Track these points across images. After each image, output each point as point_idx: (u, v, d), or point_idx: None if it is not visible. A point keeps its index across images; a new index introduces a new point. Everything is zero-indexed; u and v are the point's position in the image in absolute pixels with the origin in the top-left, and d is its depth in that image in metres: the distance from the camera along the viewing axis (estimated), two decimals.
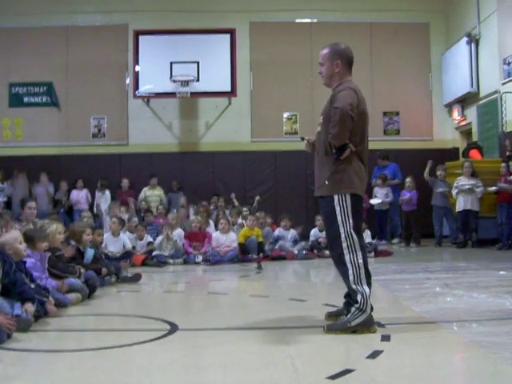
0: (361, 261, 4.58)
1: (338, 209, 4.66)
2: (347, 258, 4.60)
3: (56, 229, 6.72)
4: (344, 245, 4.62)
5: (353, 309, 4.56)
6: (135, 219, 11.84)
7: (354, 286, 4.58)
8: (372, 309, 4.56)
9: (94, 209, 14.47)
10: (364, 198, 4.90)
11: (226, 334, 4.74)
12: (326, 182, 4.74)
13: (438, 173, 13.18)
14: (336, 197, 4.67)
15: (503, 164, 12.11)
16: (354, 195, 4.68)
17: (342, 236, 4.62)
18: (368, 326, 4.54)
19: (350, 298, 4.67)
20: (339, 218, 4.64)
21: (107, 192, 14.78)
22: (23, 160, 15.20)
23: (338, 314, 4.95)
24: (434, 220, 13.18)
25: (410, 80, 16.46)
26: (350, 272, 4.59)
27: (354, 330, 4.51)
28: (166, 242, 10.89)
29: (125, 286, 7.81)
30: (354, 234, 4.61)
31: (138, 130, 16.01)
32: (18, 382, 3.47)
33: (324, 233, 10.72)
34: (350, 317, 4.55)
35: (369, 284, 4.60)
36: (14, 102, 15.92)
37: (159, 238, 11.00)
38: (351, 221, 4.62)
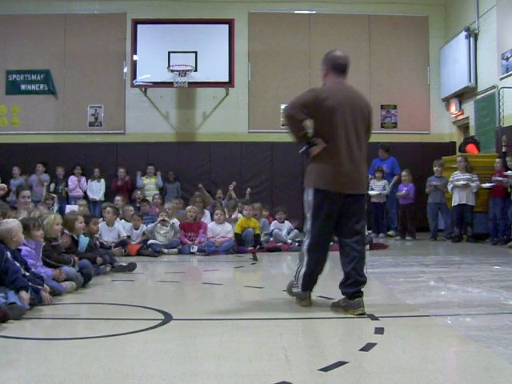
0: (304, 246, 5.26)
1: (304, 202, 5.29)
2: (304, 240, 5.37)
3: (54, 219, 6.71)
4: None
5: (293, 278, 5.47)
6: (131, 207, 11.80)
7: (297, 265, 5.42)
8: (306, 288, 5.29)
9: (90, 196, 14.54)
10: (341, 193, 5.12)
11: (219, 324, 4.74)
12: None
13: (435, 169, 13.17)
14: (305, 191, 5.27)
15: (498, 159, 12.12)
16: (319, 191, 5.11)
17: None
18: (300, 299, 5.37)
19: None
20: (305, 209, 5.28)
21: (102, 180, 14.82)
22: (19, 148, 15.19)
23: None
24: (428, 215, 13.19)
25: (408, 73, 16.45)
26: (300, 252, 5.37)
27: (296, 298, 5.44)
28: (160, 227, 10.86)
29: (119, 275, 7.81)
30: (309, 223, 5.20)
31: (135, 119, 15.98)
32: (12, 369, 3.47)
33: None
34: (293, 284, 5.49)
35: (309, 266, 5.21)
36: (10, 90, 15.87)
37: (153, 224, 10.96)
38: (310, 212, 5.19)
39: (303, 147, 5.15)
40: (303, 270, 5.25)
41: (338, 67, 5.29)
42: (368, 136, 5.48)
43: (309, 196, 5.18)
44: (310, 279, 5.28)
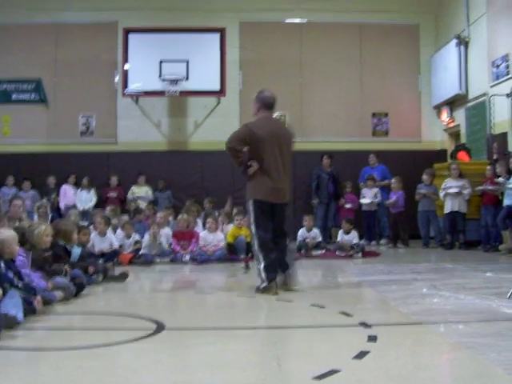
0: (256, 247, 6.65)
1: (249, 212, 6.77)
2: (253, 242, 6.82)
3: (44, 230, 6.65)
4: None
5: (259, 279, 6.63)
6: (126, 217, 11.76)
7: (256, 265, 6.78)
8: (270, 280, 6.49)
9: (78, 206, 14.36)
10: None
11: (212, 333, 4.73)
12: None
13: (424, 177, 13.20)
14: (247, 203, 6.81)
15: (488, 167, 12.14)
16: (256, 201, 6.68)
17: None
18: (269, 290, 6.48)
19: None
20: (250, 218, 6.78)
21: (93, 190, 14.69)
22: (10, 157, 15.13)
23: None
24: (419, 223, 13.22)
25: (399, 81, 16.49)
26: (255, 254, 6.75)
27: (263, 291, 6.52)
28: (154, 243, 10.84)
29: (111, 284, 7.78)
30: (253, 227, 6.71)
31: (127, 128, 15.95)
32: (4, 380, 3.44)
33: (311, 233, 11.23)
34: (259, 284, 6.62)
35: (266, 259, 6.56)
36: (1, 99, 15.79)
37: (146, 238, 10.92)
38: (252, 219, 6.70)
39: (243, 168, 6.72)
40: (262, 264, 6.57)
41: (267, 105, 6.98)
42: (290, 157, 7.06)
43: (250, 206, 6.71)
44: (270, 269, 6.56)
